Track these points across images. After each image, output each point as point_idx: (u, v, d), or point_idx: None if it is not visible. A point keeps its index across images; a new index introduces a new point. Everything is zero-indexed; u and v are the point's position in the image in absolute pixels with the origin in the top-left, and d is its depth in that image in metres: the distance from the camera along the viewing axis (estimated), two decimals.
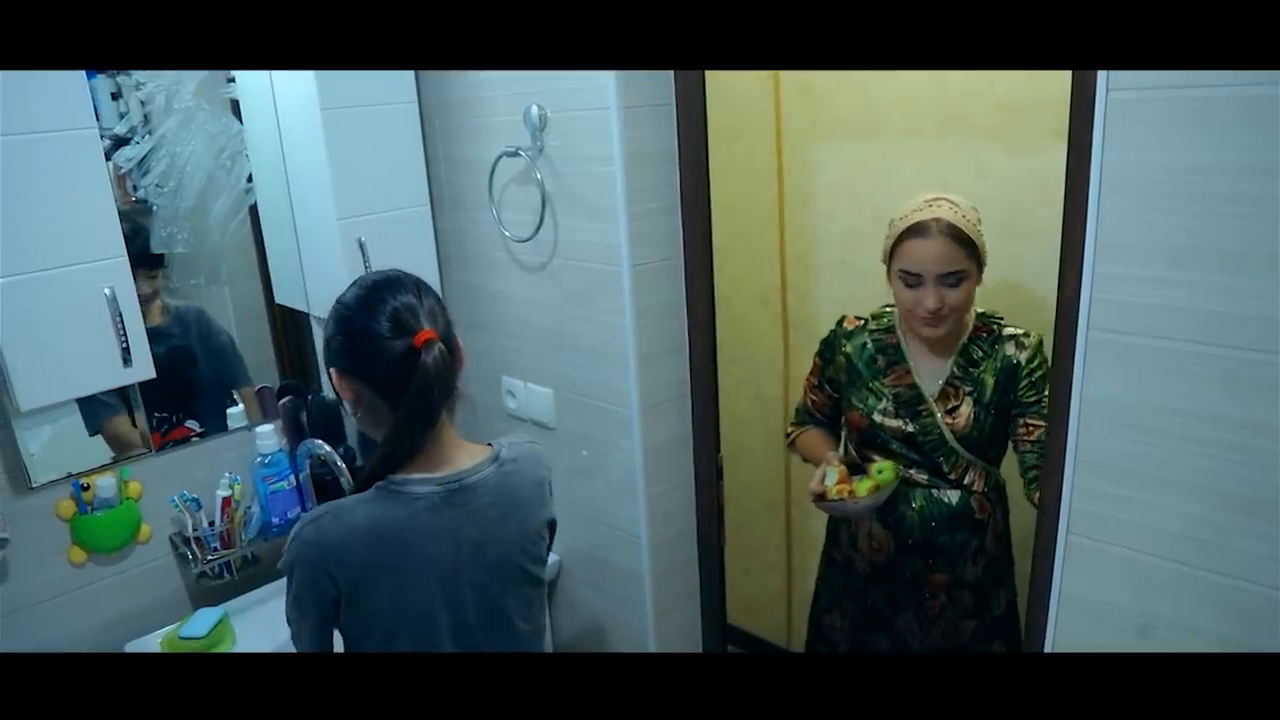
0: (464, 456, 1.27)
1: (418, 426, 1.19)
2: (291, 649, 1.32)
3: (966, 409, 1.69)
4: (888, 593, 1.84)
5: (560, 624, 2.12)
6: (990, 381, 1.68)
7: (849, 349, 1.80)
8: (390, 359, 1.17)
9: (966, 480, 1.74)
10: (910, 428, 1.72)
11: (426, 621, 1.24)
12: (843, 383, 1.82)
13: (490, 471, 1.27)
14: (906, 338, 1.75)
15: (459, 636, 1.27)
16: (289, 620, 1.27)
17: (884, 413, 1.74)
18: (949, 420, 1.70)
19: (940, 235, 1.58)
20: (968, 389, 1.69)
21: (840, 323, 1.86)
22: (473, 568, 1.26)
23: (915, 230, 1.60)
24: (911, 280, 1.62)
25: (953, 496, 1.74)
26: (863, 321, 1.83)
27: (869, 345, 1.79)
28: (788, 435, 1.97)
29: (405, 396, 1.16)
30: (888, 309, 1.82)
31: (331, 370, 1.25)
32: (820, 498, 1.68)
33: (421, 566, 1.22)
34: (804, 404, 1.94)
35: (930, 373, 1.72)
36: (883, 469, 1.69)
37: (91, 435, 1.75)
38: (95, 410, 1.74)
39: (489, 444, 1.32)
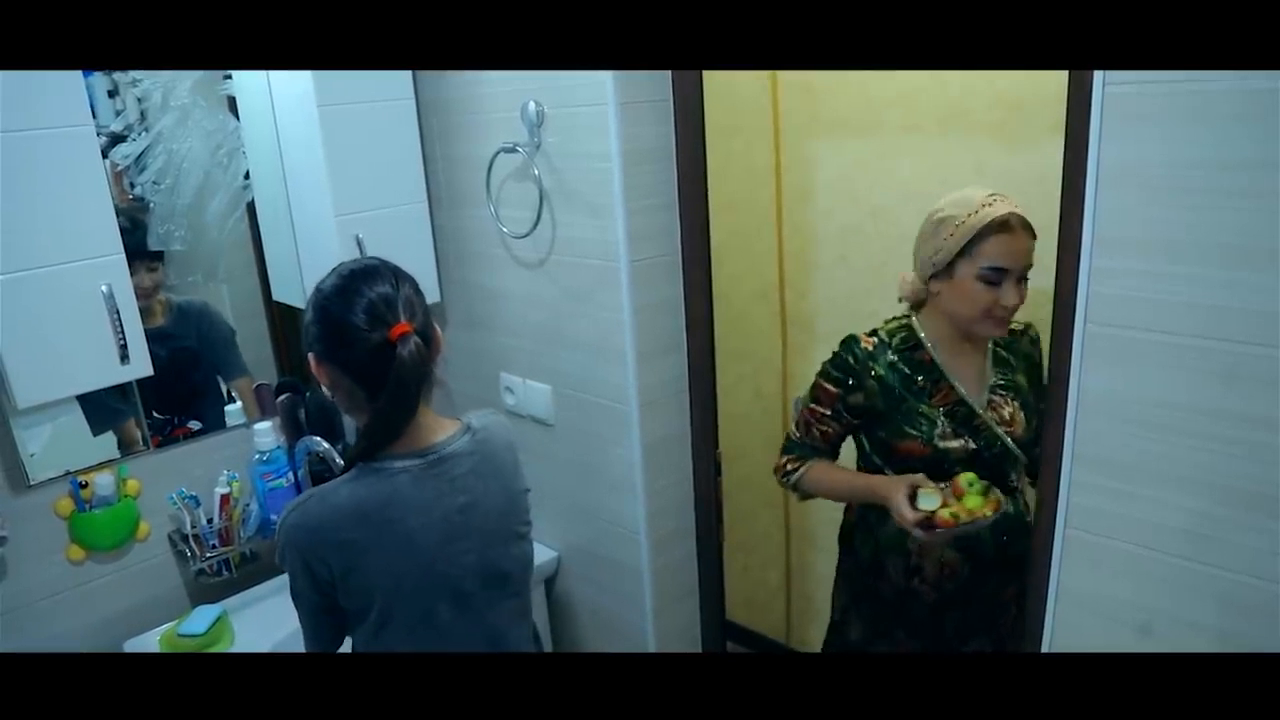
0: (438, 430, 1.29)
1: (396, 417, 1.21)
2: (290, 648, 1.33)
3: (1014, 412, 1.63)
4: (960, 619, 1.71)
5: (559, 621, 2.12)
6: (1024, 381, 1.65)
7: (879, 371, 1.64)
8: (366, 350, 1.18)
9: (1019, 486, 1.68)
10: (973, 444, 1.61)
11: (422, 591, 1.26)
12: (879, 410, 1.65)
13: (465, 440, 1.30)
14: (938, 352, 1.64)
15: (458, 602, 1.29)
16: (296, 607, 1.30)
17: (943, 436, 1.62)
18: (1008, 429, 1.62)
19: (1022, 230, 1.50)
20: (1010, 393, 1.64)
21: (854, 344, 1.68)
22: (465, 534, 1.28)
23: (1000, 226, 1.50)
24: (994, 277, 1.51)
25: (1012, 505, 1.63)
26: (877, 339, 1.68)
27: (900, 365, 1.65)
28: (784, 471, 1.77)
29: (383, 388, 1.18)
30: (896, 322, 1.70)
31: (309, 355, 1.26)
32: (928, 526, 1.48)
33: (409, 538, 1.23)
34: (804, 436, 1.75)
35: (973, 385, 1.64)
36: (972, 480, 1.52)
37: (96, 435, 1.75)
38: (102, 409, 1.74)
39: (457, 418, 1.35)
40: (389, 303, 1.19)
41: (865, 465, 1.74)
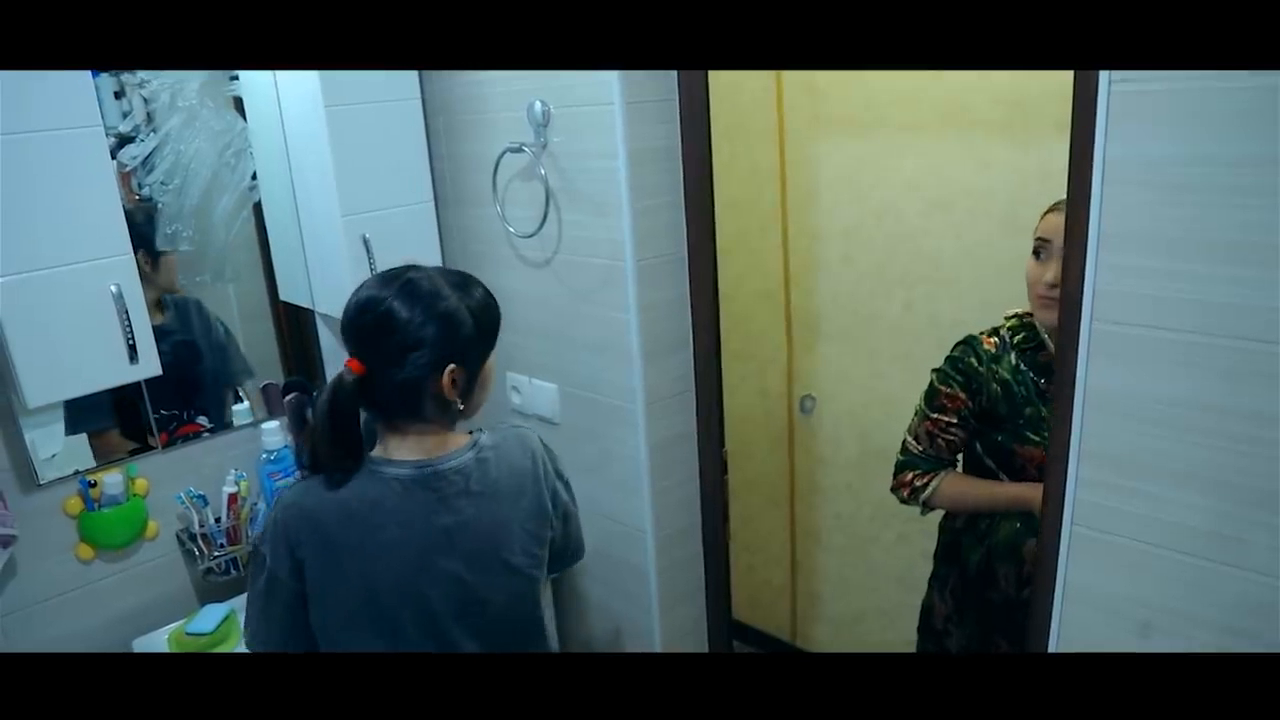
0: (444, 443, 1.26)
1: (318, 441, 1.21)
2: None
3: None
4: None
5: (565, 620, 2.13)
6: None
7: (1003, 374, 1.58)
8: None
9: None
10: None
11: (390, 604, 1.23)
12: (1000, 415, 1.59)
13: (466, 459, 1.26)
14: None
15: (428, 622, 1.25)
16: (255, 609, 1.25)
17: None
18: None
19: None
20: None
21: (975, 345, 1.62)
22: (446, 554, 1.24)
23: (1055, 206, 1.47)
24: (1039, 247, 1.48)
25: None
26: (999, 339, 1.61)
27: (1023, 368, 1.57)
28: (910, 488, 1.68)
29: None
30: (1017, 319, 1.62)
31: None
32: None
33: (386, 547, 1.21)
34: (927, 448, 1.67)
35: None
36: None
37: (69, 434, 1.74)
38: (83, 415, 1.75)
39: (470, 431, 1.32)
40: (376, 324, 1.19)
41: (974, 469, 1.68)
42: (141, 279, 1.60)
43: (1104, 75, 1.04)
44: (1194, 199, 1.02)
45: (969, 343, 1.63)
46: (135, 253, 1.59)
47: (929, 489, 1.67)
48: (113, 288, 1.56)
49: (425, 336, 1.18)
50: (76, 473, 1.74)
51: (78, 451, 1.74)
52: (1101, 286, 1.10)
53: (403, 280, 1.20)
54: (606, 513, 1.89)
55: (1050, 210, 1.51)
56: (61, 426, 1.70)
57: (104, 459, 1.79)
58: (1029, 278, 1.53)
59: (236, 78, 1.88)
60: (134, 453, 1.83)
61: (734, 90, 2.34)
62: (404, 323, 1.17)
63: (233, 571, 1.90)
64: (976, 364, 1.61)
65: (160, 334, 1.80)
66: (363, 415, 1.24)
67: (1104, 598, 1.21)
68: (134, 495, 1.80)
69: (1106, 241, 1.09)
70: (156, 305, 1.86)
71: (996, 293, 2.06)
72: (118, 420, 1.82)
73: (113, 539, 1.79)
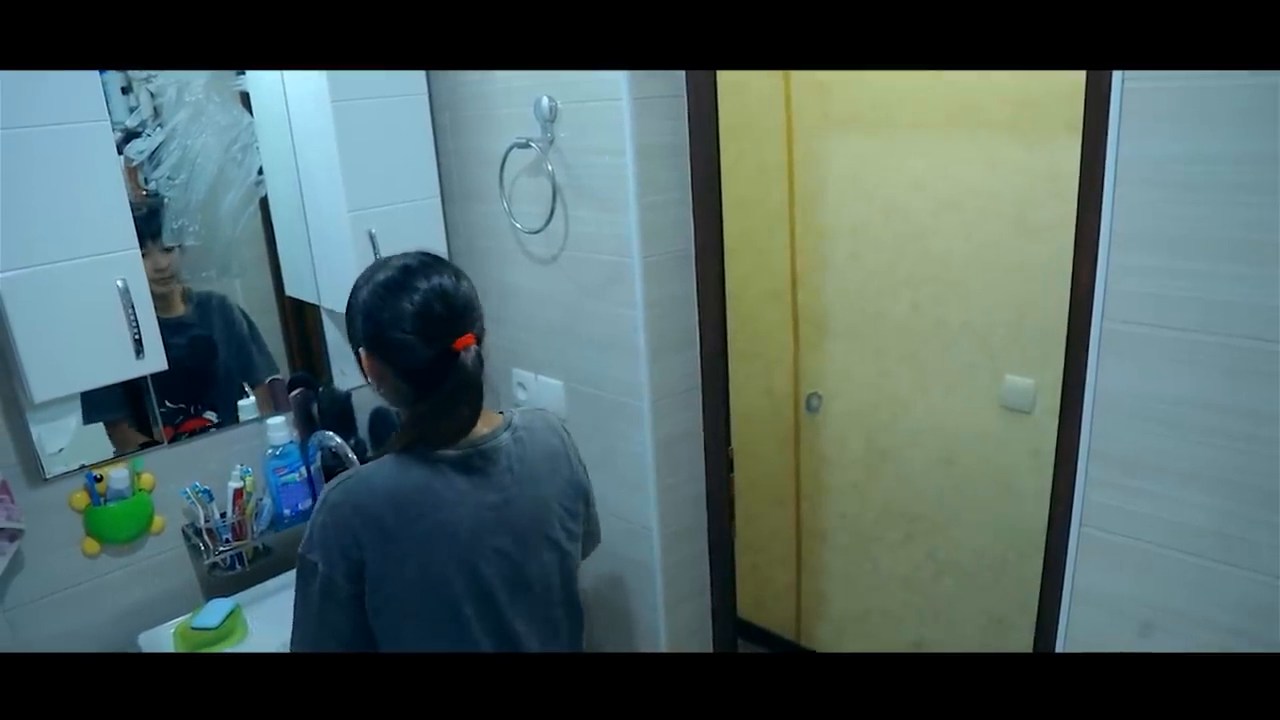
0: (481, 424, 1.27)
1: (449, 419, 1.22)
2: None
3: None
4: None
5: None
6: None
7: None
8: (421, 359, 1.19)
9: None
10: None
11: (447, 585, 1.23)
12: None
13: (505, 438, 1.29)
14: None
15: (481, 603, 1.26)
16: (309, 617, 1.22)
17: None
18: None
19: None
20: None
21: None
22: (496, 532, 1.26)
23: None
24: None
25: None
26: None
27: None
28: None
29: (439, 390, 1.19)
30: None
31: (360, 350, 1.26)
32: None
33: (440, 529, 1.22)
34: None
35: None
36: None
37: (87, 423, 1.74)
38: (101, 404, 1.75)
39: (500, 412, 1.35)
40: (449, 304, 1.20)
41: None
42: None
43: (1117, 74, 1.04)
44: (1197, 197, 1.01)
45: None
46: (141, 247, 1.60)
47: None
48: (119, 282, 1.56)
49: (477, 304, 1.25)
50: (82, 467, 1.74)
51: (84, 445, 1.74)
52: (1114, 286, 1.10)
53: (429, 264, 1.23)
54: (612, 510, 1.89)
55: None
56: (67, 421, 1.70)
57: (122, 449, 1.80)
58: None
59: (243, 73, 1.87)
60: (143, 445, 1.83)
61: (741, 88, 2.33)
62: (468, 296, 1.24)
63: (238, 566, 1.90)
64: None
65: (181, 326, 1.81)
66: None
67: (1110, 598, 1.20)
68: (140, 490, 1.80)
69: (1119, 241, 1.09)
70: (182, 297, 1.87)
71: (1004, 294, 2.05)
72: (133, 410, 1.82)
73: (118, 533, 1.79)
